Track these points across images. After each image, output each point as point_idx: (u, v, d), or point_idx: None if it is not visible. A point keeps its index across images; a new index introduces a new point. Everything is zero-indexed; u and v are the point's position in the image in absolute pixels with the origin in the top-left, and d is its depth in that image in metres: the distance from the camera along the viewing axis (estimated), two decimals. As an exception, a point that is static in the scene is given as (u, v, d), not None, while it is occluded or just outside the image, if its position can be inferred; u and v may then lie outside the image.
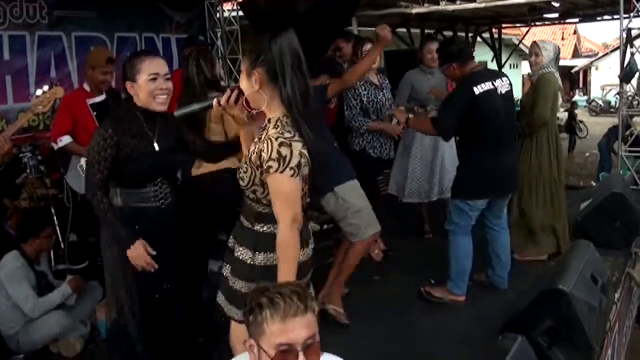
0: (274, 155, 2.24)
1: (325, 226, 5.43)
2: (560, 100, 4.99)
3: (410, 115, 4.56)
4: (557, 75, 4.91)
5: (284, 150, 2.24)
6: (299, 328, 1.74)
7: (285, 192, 2.29)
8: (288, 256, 2.33)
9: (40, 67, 5.72)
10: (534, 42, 5.03)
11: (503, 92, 4.10)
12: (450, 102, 4.16)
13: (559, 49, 5.08)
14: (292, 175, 2.26)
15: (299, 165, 2.26)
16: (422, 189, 5.48)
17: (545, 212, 4.95)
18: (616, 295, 4.04)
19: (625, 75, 6.33)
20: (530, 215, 4.97)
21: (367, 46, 4.86)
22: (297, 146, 2.27)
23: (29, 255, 3.93)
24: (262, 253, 2.43)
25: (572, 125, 15.34)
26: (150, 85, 2.84)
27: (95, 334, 4.08)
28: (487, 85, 4.01)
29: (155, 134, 2.94)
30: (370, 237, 4.09)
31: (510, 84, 4.25)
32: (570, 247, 3.96)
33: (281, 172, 2.24)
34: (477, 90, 3.97)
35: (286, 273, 2.32)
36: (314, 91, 3.60)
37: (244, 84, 2.42)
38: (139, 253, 2.81)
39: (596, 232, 5.00)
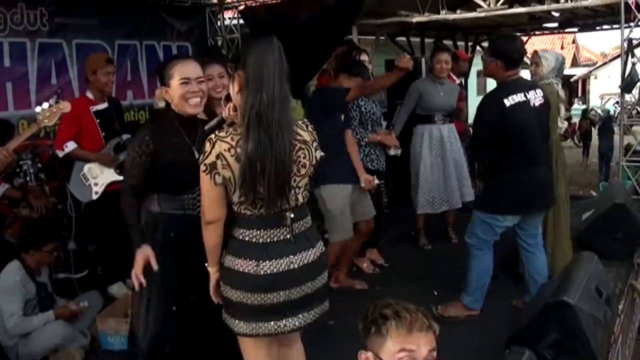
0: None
1: (326, 235, 5.40)
2: (562, 111, 4.92)
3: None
4: (559, 85, 4.84)
5: (207, 146, 2.33)
6: (423, 343, 1.76)
7: (201, 184, 2.39)
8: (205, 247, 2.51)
9: (41, 75, 5.71)
10: (535, 52, 4.92)
11: (536, 104, 3.93)
12: (481, 117, 3.98)
13: (563, 58, 4.96)
14: (204, 171, 2.32)
15: (212, 165, 2.30)
16: (435, 199, 5.46)
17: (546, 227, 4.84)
18: (619, 307, 4.02)
19: (627, 85, 6.30)
20: None
21: (363, 56, 4.88)
22: (220, 146, 2.30)
23: (30, 265, 3.90)
24: (225, 254, 2.50)
25: (589, 132, 15.36)
26: (183, 88, 2.84)
27: (96, 344, 4.05)
28: (518, 97, 3.85)
29: (195, 142, 2.91)
30: (338, 242, 4.40)
31: (544, 96, 4.05)
32: (574, 259, 3.92)
33: (200, 163, 2.35)
34: (508, 102, 3.81)
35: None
36: (334, 93, 3.76)
37: (230, 87, 2.49)
38: (145, 254, 2.78)
39: (598, 243, 4.96)
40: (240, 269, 2.40)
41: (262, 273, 2.38)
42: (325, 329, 4.08)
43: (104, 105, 4.66)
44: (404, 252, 5.66)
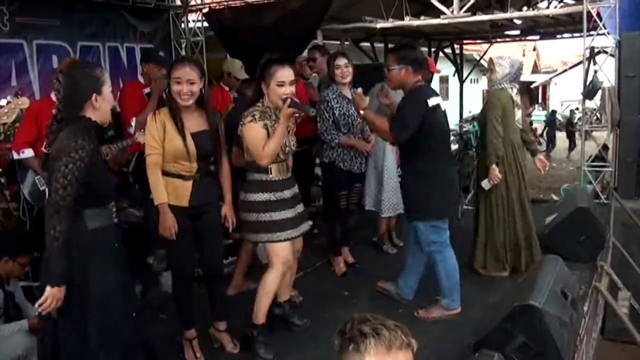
0: None
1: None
2: (518, 115, 4.97)
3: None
4: (513, 90, 4.92)
5: None
6: None
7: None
8: None
9: (1, 76, 5.56)
10: (490, 59, 5.04)
11: (442, 109, 4.15)
12: (408, 107, 4.05)
13: (519, 63, 5.05)
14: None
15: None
16: (398, 202, 5.46)
17: (505, 228, 4.96)
18: (584, 309, 4.07)
19: (589, 92, 6.42)
20: (492, 232, 4.99)
21: (341, 60, 4.87)
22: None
23: (0, 274, 3.77)
24: None
25: (572, 132, 17.45)
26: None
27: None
28: (435, 100, 4.03)
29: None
30: None
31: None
32: (539, 262, 3.97)
33: None
34: (430, 102, 3.98)
35: None
36: None
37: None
38: (58, 296, 2.74)
39: (562, 246, 5.05)
40: None
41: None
42: (292, 332, 4.07)
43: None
44: (369, 255, 5.66)
